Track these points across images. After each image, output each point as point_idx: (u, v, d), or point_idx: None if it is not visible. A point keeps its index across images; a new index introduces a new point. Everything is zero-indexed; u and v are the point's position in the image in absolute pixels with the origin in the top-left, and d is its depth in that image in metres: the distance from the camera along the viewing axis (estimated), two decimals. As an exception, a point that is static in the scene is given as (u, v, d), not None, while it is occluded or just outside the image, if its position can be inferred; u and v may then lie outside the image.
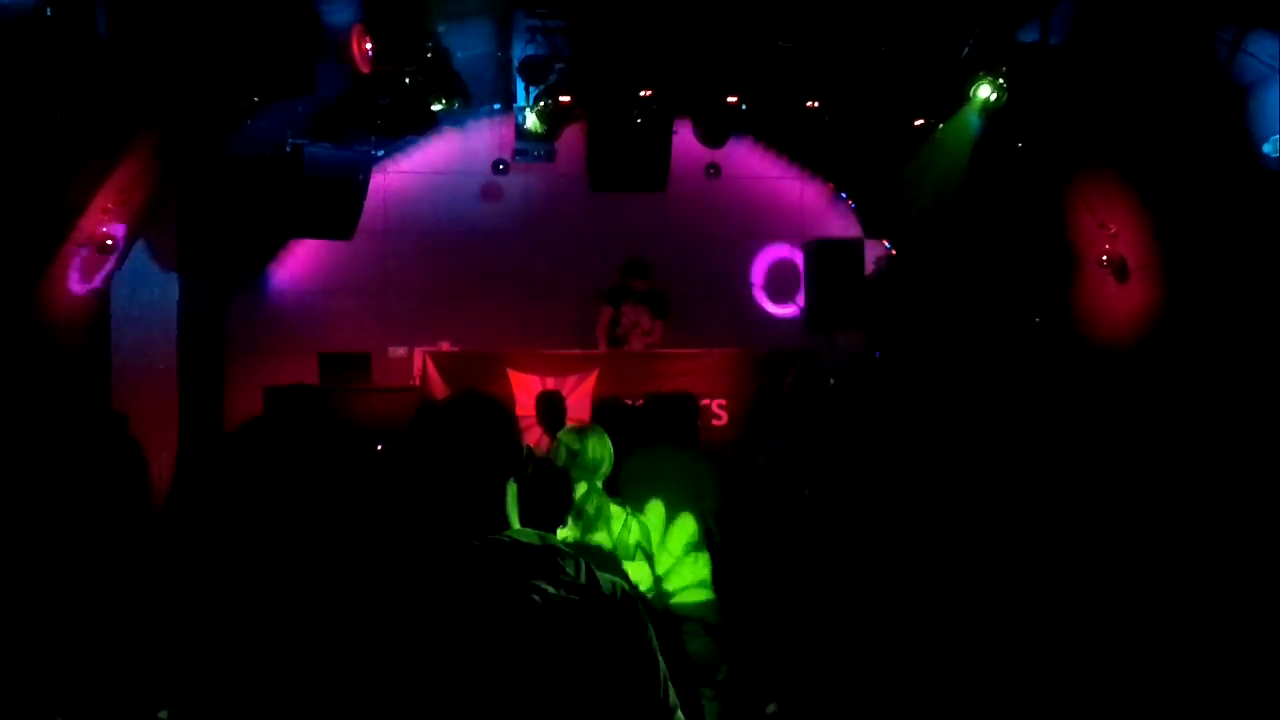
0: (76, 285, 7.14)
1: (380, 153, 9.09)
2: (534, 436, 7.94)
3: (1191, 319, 7.08)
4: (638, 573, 3.85)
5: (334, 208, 8.46)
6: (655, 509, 4.29)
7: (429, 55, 7.44)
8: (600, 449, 3.89)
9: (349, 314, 9.46)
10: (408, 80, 7.61)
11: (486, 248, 9.67)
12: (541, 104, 8.34)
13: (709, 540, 4.24)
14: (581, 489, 3.72)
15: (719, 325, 9.52)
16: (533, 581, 1.65)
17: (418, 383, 8.02)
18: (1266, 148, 6.34)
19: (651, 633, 1.69)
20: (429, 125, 8.45)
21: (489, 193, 9.74)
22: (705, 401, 7.81)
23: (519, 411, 7.98)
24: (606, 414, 5.61)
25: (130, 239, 7.69)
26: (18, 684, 2.67)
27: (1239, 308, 6.70)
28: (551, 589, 1.65)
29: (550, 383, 8.04)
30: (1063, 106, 7.59)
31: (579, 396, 7.81)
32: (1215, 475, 5.90)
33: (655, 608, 3.85)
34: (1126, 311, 7.85)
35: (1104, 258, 7.96)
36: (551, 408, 6.55)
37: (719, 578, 4.16)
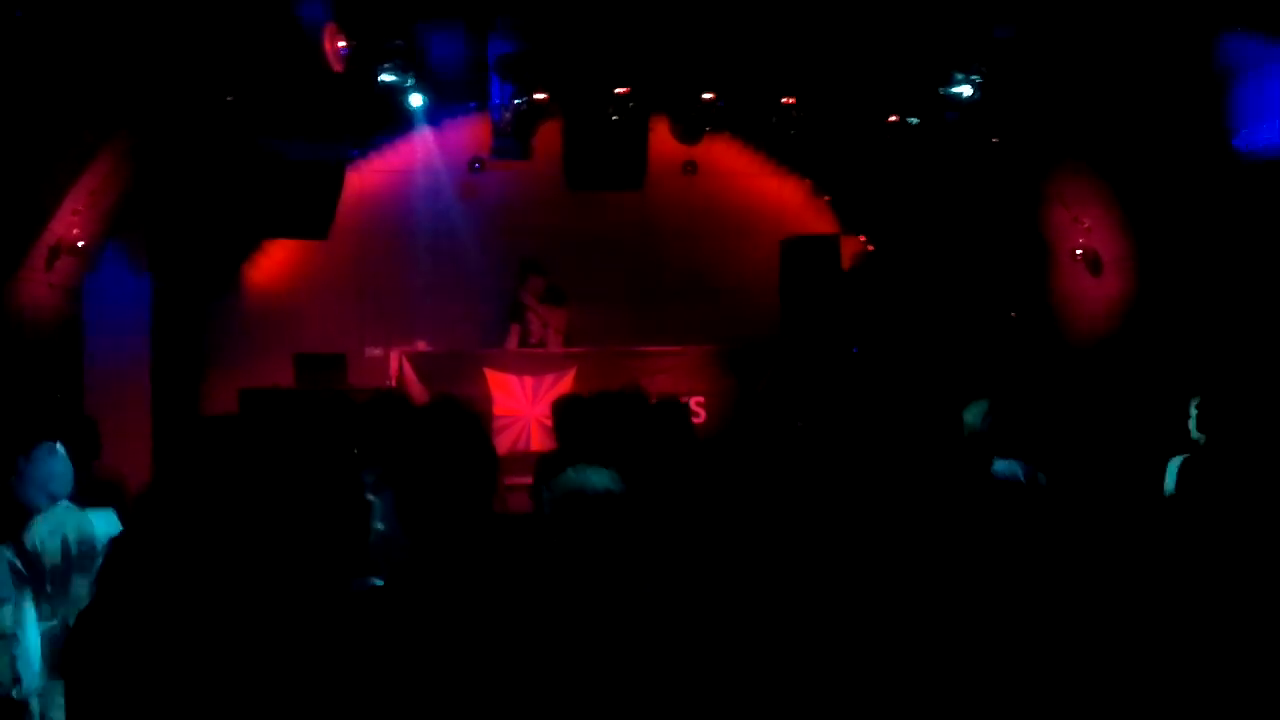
0: (47, 288, 7.07)
1: (355, 152, 9.03)
2: (509, 437, 7.97)
3: (1165, 311, 7.14)
4: None
5: (308, 207, 8.38)
6: None
7: (403, 53, 7.40)
8: None
9: (325, 314, 9.37)
10: (382, 78, 7.57)
11: (463, 247, 9.60)
12: (517, 102, 8.31)
13: None
14: None
15: (697, 322, 9.51)
16: None
17: (394, 383, 7.98)
18: (1237, 140, 6.40)
19: None
20: (404, 124, 8.40)
21: (465, 192, 9.68)
22: (684, 399, 7.81)
23: (496, 411, 7.96)
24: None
25: (101, 241, 7.62)
26: None
27: (1212, 300, 6.76)
28: None
29: (529, 382, 8.02)
30: (1037, 102, 7.63)
31: (557, 394, 7.79)
32: (1187, 467, 5.93)
33: None
34: (1101, 304, 7.92)
35: (1078, 251, 8.04)
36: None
37: None
